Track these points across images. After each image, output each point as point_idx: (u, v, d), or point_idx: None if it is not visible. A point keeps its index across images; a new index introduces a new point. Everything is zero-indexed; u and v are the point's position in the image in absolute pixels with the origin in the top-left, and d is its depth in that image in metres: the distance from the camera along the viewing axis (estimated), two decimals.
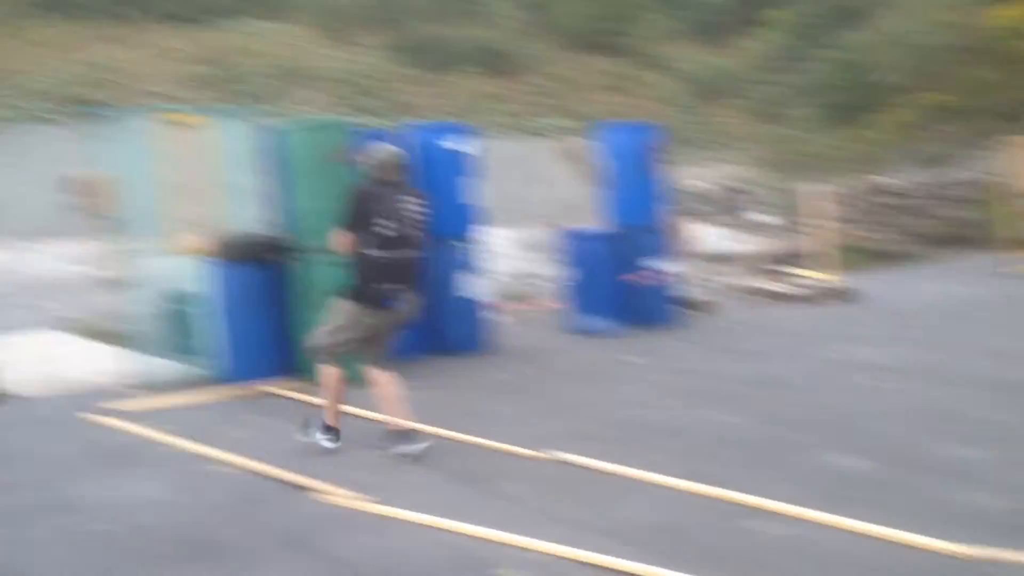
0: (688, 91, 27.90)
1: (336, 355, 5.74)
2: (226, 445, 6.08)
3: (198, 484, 5.44)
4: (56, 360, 9.95)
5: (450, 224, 8.84)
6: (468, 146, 8.75)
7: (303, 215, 7.93)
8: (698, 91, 28.04)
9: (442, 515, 4.67)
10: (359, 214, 5.56)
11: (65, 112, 22.62)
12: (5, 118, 21.88)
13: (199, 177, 8.16)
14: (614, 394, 7.30)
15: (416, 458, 5.62)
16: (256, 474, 5.55)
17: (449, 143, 8.76)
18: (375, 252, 5.54)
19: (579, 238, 9.80)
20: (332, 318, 5.77)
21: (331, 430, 5.85)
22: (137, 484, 5.50)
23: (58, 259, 16.76)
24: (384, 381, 5.72)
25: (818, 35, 27.18)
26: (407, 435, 5.71)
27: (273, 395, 7.64)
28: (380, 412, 5.91)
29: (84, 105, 22.72)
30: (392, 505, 4.87)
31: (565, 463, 5.48)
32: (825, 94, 24.56)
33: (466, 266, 8.91)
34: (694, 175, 23.17)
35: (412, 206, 5.65)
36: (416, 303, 5.77)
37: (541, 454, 5.64)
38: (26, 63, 23.66)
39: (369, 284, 5.59)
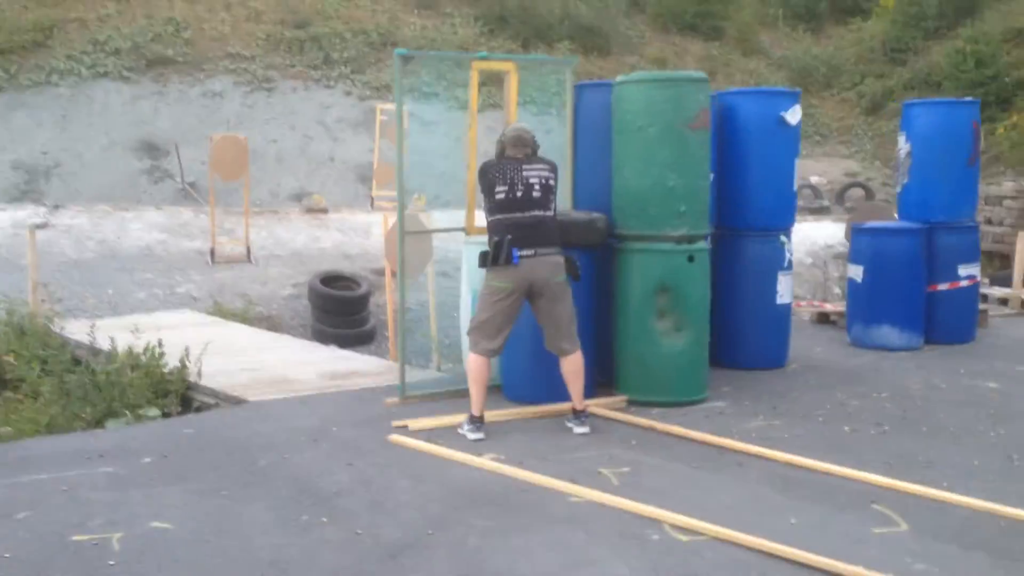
0: (786, 79, 26.30)
1: (484, 339, 5.73)
2: (650, 497, 4.52)
3: (669, 564, 3.88)
4: (243, 352, 8.37)
5: (773, 212, 7.30)
6: (795, 116, 7.16)
7: (626, 193, 6.35)
8: (795, 79, 26.44)
9: None
10: (485, 186, 5.77)
11: (139, 70, 20.98)
12: (80, 76, 20.22)
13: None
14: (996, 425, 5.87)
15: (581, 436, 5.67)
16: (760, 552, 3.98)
17: (782, 112, 7.17)
18: (498, 215, 5.71)
19: (876, 234, 8.23)
20: (480, 300, 5.84)
21: (475, 420, 5.72)
22: (575, 554, 3.94)
23: (151, 228, 15.11)
24: (567, 360, 5.76)
25: (929, 26, 25.71)
26: (578, 415, 5.80)
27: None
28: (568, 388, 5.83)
29: (162, 63, 21.10)
30: None
31: None
32: (943, 89, 22.95)
33: (784, 265, 7.35)
34: (807, 169, 21.71)
35: (535, 172, 5.74)
36: (557, 265, 5.72)
37: None
38: (101, 18, 21.94)
39: (494, 243, 5.68)
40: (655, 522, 4.29)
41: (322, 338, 10.76)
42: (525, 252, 5.64)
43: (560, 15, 24.73)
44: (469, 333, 5.91)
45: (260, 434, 5.77)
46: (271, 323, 11.28)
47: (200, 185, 18.32)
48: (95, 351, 7.91)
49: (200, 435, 5.80)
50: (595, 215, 6.42)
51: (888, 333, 8.05)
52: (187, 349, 7.23)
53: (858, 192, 20.43)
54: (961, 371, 7.36)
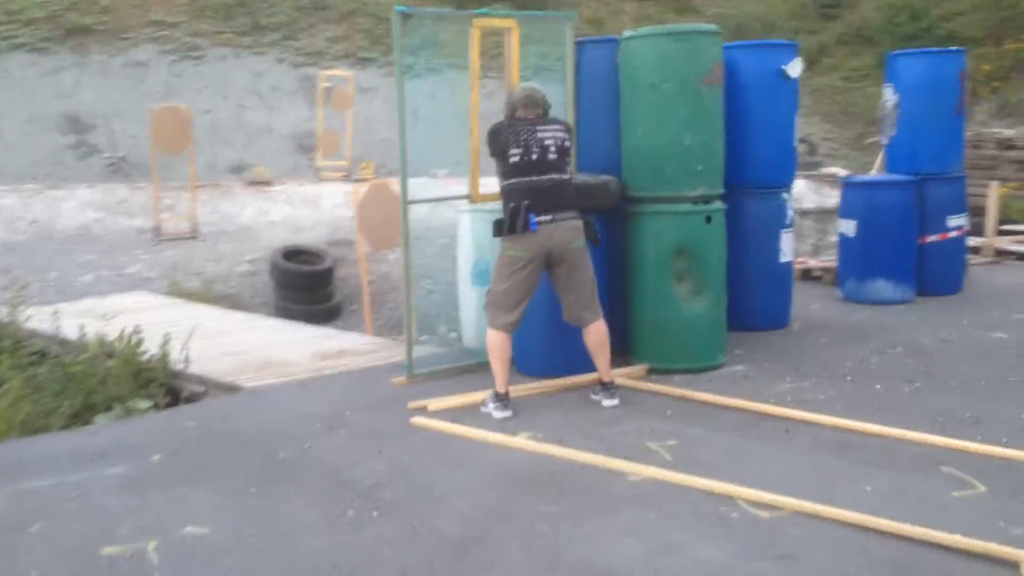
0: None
1: (503, 312, 5.42)
2: (708, 471, 4.30)
3: (759, 543, 3.66)
4: (218, 334, 7.94)
5: (775, 169, 7.11)
6: (795, 69, 6.95)
7: (639, 153, 6.09)
8: (731, 36, 26.37)
9: None
10: (497, 150, 5.43)
11: (57, 40, 19.95)
12: None
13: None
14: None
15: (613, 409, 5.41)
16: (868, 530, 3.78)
17: (783, 66, 6.95)
18: (512, 180, 5.39)
19: (869, 188, 8.11)
20: (495, 271, 5.54)
21: (500, 398, 5.41)
22: (655, 537, 3.69)
23: (85, 207, 14.38)
24: (590, 330, 5.49)
25: None
26: (606, 387, 5.54)
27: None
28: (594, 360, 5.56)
29: (81, 32, 20.09)
30: None
31: None
32: (877, 43, 23.16)
33: (786, 223, 7.17)
34: None
35: (550, 134, 5.42)
36: (577, 229, 5.40)
37: None
38: None
39: (510, 210, 5.34)
40: (727, 499, 4.05)
41: (286, 315, 10.32)
42: (543, 218, 5.29)
43: None
44: (485, 307, 5.58)
45: (270, 423, 5.39)
46: (231, 302, 10.78)
47: (131, 159, 17.56)
48: (61, 341, 7.39)
49: (205, 428, 5.39)
50: (606, 177, 6.14)
51: (883, 287, 7.96)
52: (168, 335, 6.77)
53: (801, 147, 20.49)
54: (964, 322, 7.29)
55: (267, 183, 15.54)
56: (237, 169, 17.70)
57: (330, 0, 22.70)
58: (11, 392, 6.58)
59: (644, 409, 5.41)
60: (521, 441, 4.89)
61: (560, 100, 6.68)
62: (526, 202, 5.30)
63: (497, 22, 6.30)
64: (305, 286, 10.65)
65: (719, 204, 6.12)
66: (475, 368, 6.37)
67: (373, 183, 9.12)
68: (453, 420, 5.31)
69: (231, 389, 6.27)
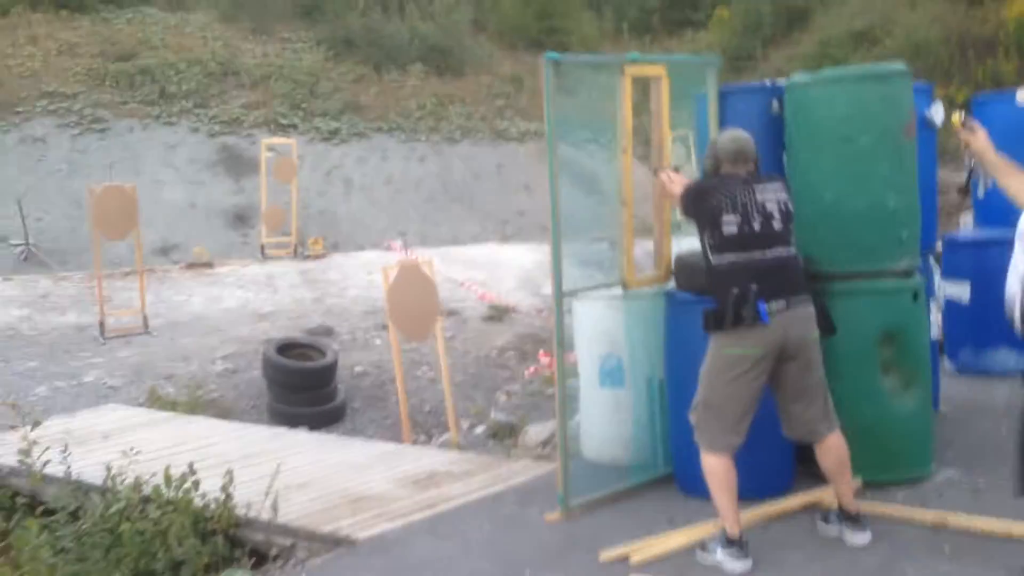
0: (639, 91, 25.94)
1: (725, 431, 4.32)
2: None
3: None
4: (252, 459, 6.55)
5: (924, 229, 6.23)
6: (939, 114, 6.08)
7: (828, 221, 5.08)
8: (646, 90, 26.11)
9: None
10: (704, 216, 4.38)
11: None
12: None
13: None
14: None
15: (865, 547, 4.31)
16: None
17: (925, 111, 6.09)
18: (727, 256, 4.31)
19: (978, 247, 7.36)
20: (703, 379, 4.41)
21: (734, 543, 4.24)
22: None
23: (6, 304, 12.51)
24: (827, 445, 4.42)
25: (767, 33, 26.04)
26: (853, 518, 4.43)
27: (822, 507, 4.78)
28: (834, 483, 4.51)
29: None
30: None
31: None
32: None
33: (934, 291, 6.31)
34: None
35: (772, 195, 4.38)
36: (812, 318, 4.37)
37: None
38: None
39: (734, 296, 4.21)
40: None
41: (284, 420, 8.89)
42: (775, 304, 4.23)
43: (408, 36, 23.31)
44: (697, 425, 4.45)
45: None
46: (218, 409, 9.26)
47: (43, 245, 15.70)
48: (73, 484, 5.84)
49: None
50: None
51: (1006, 356, 7.15)
52: (230, 471, 5.36)
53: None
54: None
55: (208, 265, 13.98)
56: (164, 251, 15.99)
57: (239, 65, 21.28)
58: (33, 563, 5.04)
59: (904, 543, 4.35)
60: None
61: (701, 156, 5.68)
62: (754, 286, 4.23)
63: (648, 69, 5.23)
64: (306, 385, 9.23)
65: (919, 277, 5.19)
66: (631, 493, 5.24)
67: (403, 264, 7.90)
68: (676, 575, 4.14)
69: (337, 542, 4.91)
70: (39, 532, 4.99)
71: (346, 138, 20.10)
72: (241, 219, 17.20)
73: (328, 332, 11.19)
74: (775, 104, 5.40)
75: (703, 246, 4.43)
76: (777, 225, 4.36)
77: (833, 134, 5.01)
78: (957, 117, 4.10)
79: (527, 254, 14.98)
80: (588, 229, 5.76)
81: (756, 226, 4.31)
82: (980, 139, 4.04)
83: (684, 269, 5.17)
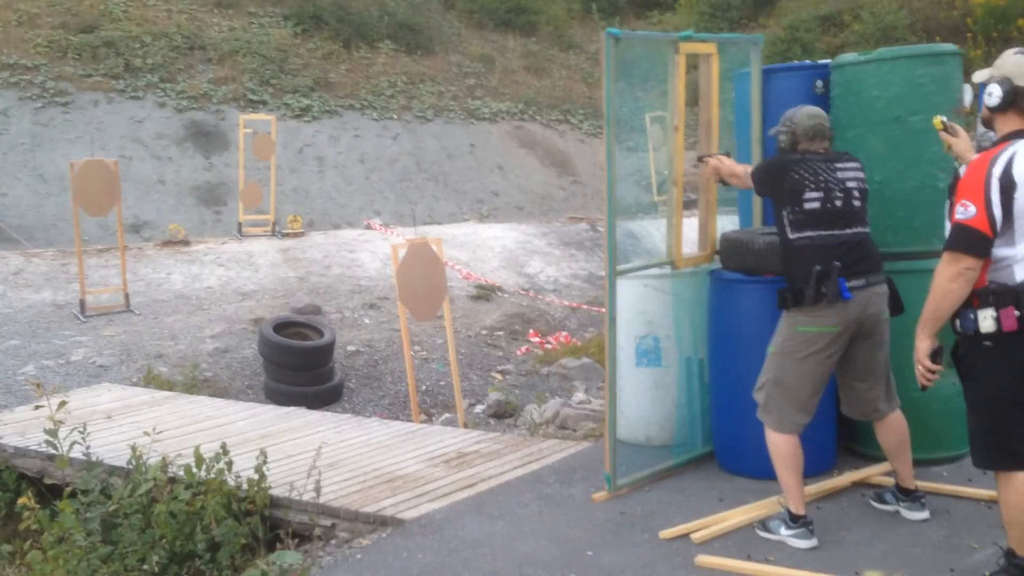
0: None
1: (794, 409, 4.31)
2: None
3: None
4: (271, 439, 6.43)
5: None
6: (967, 97, 6.10)
7: (877, 201, 5.04)
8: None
9: None
10: (784, 191, 4.35)
11: None
12: None
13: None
14: None
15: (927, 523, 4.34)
16: None
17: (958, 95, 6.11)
18: (808, 232, 4.31)
19: None
20: (773, 357, 4.39)
21: (798, 519, 4.23)
22: None
23: None
24: (888, 423, 4.46)
25: (734, 16, 26.14)
26: (912, 495, 4.45)
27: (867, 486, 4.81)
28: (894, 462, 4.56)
29: None
30: None
31: None
32: None
33: None
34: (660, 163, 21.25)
35: (852, 174, 4.43)
36: (885, 297, 4.38)
37: None
38: None
39: (816, 273, 4.19)
40: None
41: (282, 399, 8.75)
42: (855, 282, 4.26)
43: (378, 13, 22.99)
44: (765, 404, 4.42)
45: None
46: (213, 388, 9.08)
47: (8, 220, 15.26)
48: (97, 465, 5.65)
49: None
50: None
51: None
52: (264, 451, 5.22)
53: None
54: None
55: (185, 243, 13.67)
56: (135, 228, 15.63)
57: (206, 39, 20.83)
58: (62, 545, 4.87)
59: (963, 519, 4.38)
60: None
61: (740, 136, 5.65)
62: (836, 263, 4.22)
63: (701, 47, 5.16)
64: (305, 364, 9.07)
65: None
66: (675, 472, 5.22)
67: (412, 243, 7.76)
68: (747, 555, 4.12)
69: (382, 523, 4.82)
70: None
71: (318, 115, 19.80)
72: (214, 196, 16.88)
73: (317, 311, 11.02)
74: (819, 84, 5.38)
75: (779, 223, 4.41)
76: (857, 203, 4.40)
77: (884, 114, 5.01)
78: (938, 120, 4.12)
79: (508, 232, 14.88)
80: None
81: (838, 203, 4.33)
82: (962, 141, 4.07)
83: (730, 248, 5.13)
